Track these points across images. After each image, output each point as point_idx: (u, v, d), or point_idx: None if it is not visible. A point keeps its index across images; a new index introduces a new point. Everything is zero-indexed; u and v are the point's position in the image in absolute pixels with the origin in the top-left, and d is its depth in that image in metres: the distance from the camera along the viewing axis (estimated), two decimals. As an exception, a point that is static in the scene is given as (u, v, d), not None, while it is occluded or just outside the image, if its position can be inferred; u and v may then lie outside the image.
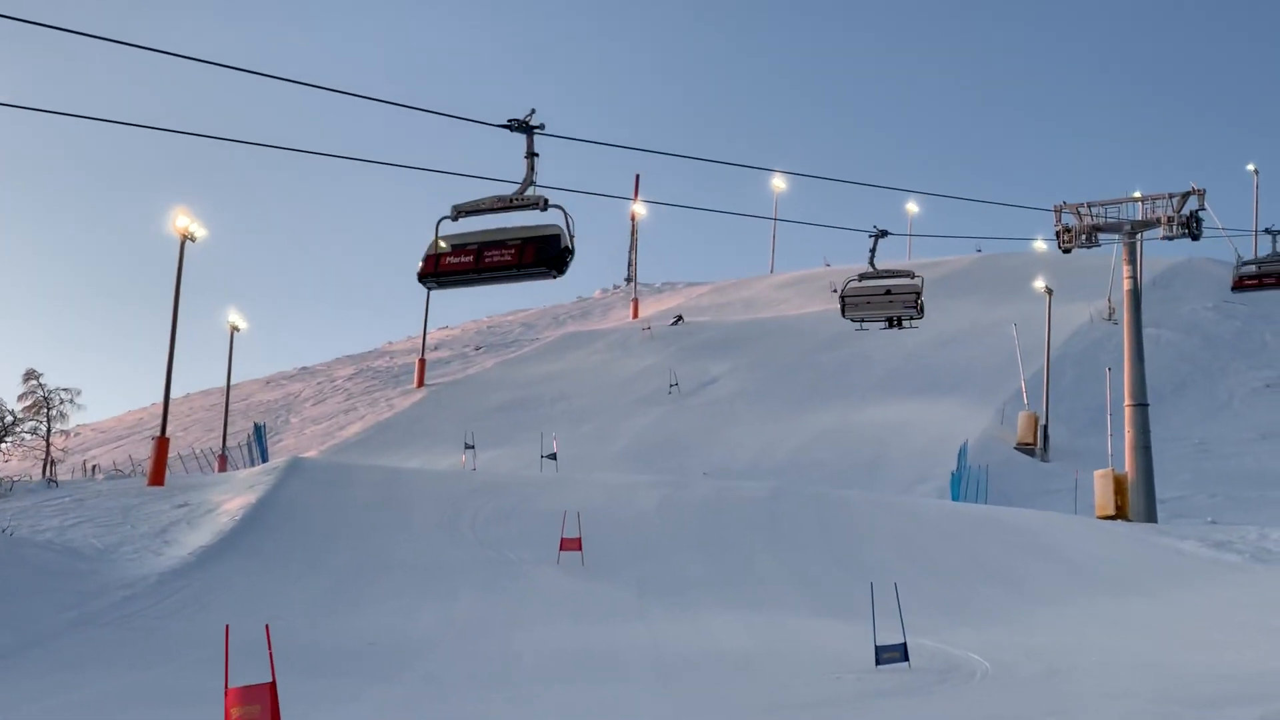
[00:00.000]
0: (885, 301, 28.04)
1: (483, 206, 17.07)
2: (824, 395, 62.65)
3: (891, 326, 28.65)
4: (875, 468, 50.15)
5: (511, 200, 16.98)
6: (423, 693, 18.38)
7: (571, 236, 16.86)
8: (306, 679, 17.63)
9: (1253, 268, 37.50)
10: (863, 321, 28.72)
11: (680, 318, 75.06)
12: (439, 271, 17.39)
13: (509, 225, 17.23)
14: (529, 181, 17.08)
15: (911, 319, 28.10)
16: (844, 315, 28.74)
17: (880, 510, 35.88)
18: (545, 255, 16.78)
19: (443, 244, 17.32)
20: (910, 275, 28.14)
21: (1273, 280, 37.12)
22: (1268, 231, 38.32)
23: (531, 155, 17.10)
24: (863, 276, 28.23)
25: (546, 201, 16.84)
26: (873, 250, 27.49)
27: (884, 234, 27.26)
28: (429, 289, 18.46)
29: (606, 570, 29.21)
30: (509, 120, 16.86)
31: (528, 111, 16.96)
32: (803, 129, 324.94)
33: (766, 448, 54.11)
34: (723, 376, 68.77)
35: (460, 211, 17.16)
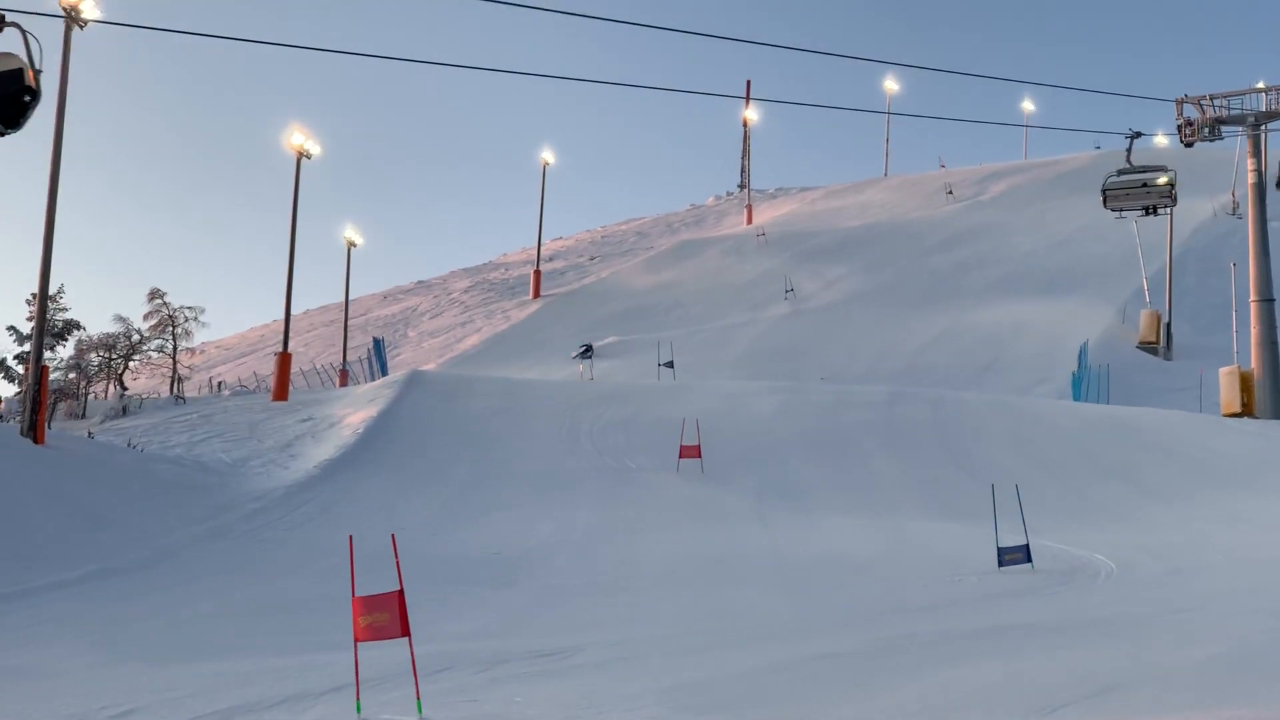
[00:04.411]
0: (1143, 193, 32.76)
1: None
2: (940, 298, 62.00)
3: (1147, 214, 32.76)
4: (993, 370, 49.66)
5: None
6: (545, 600, 18.60)
7: (37, 73, 10.85)
8: (431, 587, 17.92)
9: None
10: (1121, 210, 32.78)
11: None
12: None
13: None
14: None
15: (1166, 207, 32.10)
16: (1105, 206, 33.51)
17: (997, 411, 35.56)
18: None
19: None
20: (1163, 169, 32.11)
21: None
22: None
23: None
24: (1120, 172, 32.81)
25: (3, 19, 11.07)
26: (1129, 150, 33.28)
27: (1139, 135, 31.96)
28: None
29: (725, 476, 29.33)
30: None
31: None
32: (915, 24, 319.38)
33: (883, 352, 53.75)
34: (838, 281, 68.31)
35: None
